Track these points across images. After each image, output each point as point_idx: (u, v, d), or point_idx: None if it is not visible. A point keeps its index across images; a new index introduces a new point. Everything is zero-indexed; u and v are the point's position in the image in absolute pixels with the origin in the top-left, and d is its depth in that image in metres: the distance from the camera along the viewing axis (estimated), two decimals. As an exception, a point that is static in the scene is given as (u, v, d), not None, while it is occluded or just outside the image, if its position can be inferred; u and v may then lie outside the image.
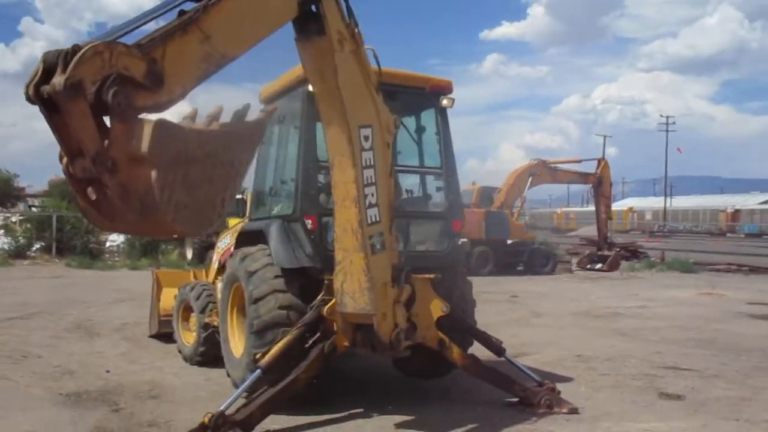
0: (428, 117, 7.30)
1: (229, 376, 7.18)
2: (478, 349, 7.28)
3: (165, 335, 10.26)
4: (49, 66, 3.46)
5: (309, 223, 6.51)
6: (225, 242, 9.47)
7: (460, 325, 7.01)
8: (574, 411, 6.77)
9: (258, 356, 6.13)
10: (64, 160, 3.66)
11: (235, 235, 8.95)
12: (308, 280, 6.60)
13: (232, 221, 27.84)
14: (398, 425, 6.32)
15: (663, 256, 31.04)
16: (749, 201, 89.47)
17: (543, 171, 27.42)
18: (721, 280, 22.45)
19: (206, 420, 5.61)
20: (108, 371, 8.36)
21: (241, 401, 5.98)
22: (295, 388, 6.08)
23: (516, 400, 7.06)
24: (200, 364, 8.69)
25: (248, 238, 7.33)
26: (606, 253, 26.71)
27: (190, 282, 9.45)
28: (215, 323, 8.27)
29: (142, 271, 24.37)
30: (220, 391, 7.48)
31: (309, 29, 5.11)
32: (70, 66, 3.38)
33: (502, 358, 7.13)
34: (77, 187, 3.75)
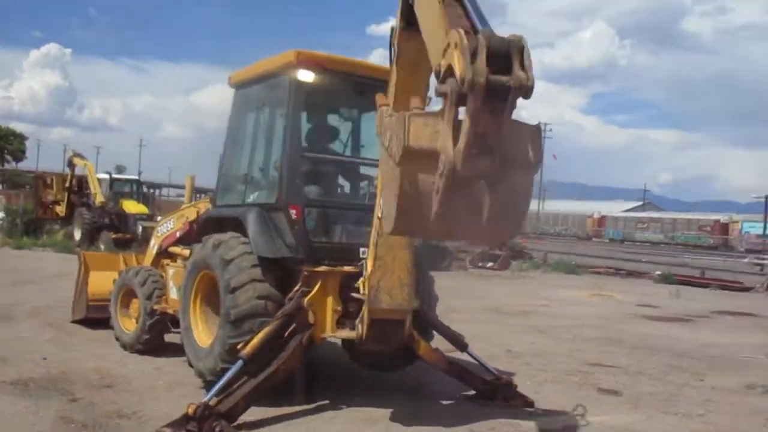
0: None
1: (191, 365, 6.98)
2: (440, 342, 7.46)
3: (92, 320, 9.83)
4: (497, 53, 3.40)
5: (293, 212, 6.43)
6: (166, 227, 9.21)
7: (425, 319, 7.16)
8: (529, 404, 7.11)
9: (240, 346, 6.02)
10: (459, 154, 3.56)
11: (181, 219, 8.75)
12: (284, 271, 6.54)
13: (131, 205, 27.08)
14: (370, 417, 6.40)
15: (546, 257, 32.68)
16: (614, 208, 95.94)
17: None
18: (605, 283, 23.92)
19: (190, 411, 5.49)
20: (45, 358, 7.90)
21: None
22: (276, 379, 6.04)
23: (473, 393, 7.34)
24: (141, 352, 8.39)
25: (214, 225, 7.15)
26: (497, 252, 27.91)
27: (132, 267, 9.05)
28: (169, 310, 8.03)
29: (28, 250, 22.96)
30: (176, 381, 7.32)
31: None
32: (528, 66, 3.40)
33: (464, 353, 7.35)
34: (457, 185, 3.63)
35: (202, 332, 6.96)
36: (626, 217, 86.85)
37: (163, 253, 9.28)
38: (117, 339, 8.80)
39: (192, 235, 8.63)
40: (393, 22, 5.49)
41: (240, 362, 5.93)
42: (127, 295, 8.80)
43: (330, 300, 6.49)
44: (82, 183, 27.63)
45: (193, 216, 8.65)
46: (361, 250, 6.64)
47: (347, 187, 7.60)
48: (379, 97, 5.21)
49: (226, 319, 6.29)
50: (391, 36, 5.48)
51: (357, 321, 6.08)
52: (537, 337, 11.82)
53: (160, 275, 8.64)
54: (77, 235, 25.47)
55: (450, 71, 3.66)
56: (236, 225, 6.76)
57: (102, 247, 24.21)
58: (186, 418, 5.48)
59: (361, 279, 6.08)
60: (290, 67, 6.50)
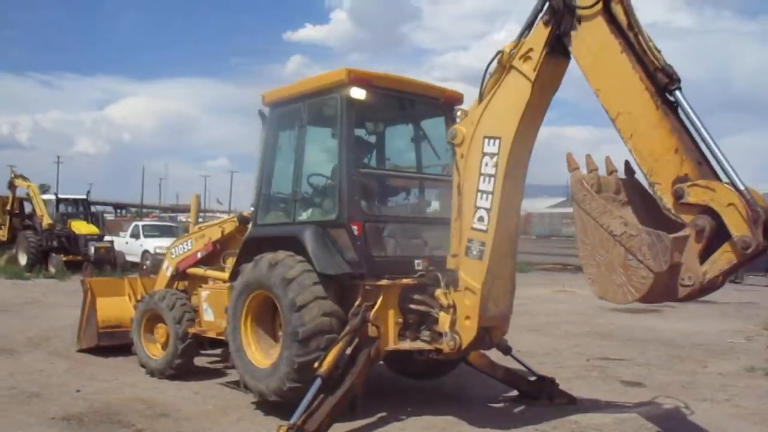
0: (438, 125, 7.56)
1: (245, 387, 6.94)
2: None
3: (99, 349, 9.58)
4: None
5: (355, 228, 6.50)
6: (182, 248, 9.11)
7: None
8: (573, 401, 7.42)
9: (316, 365, 6.06)
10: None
11: (201, 240, 8.68)
12: (342, 287, 6.62)
13: (81, 225, 26.09)
14: (435, 425, 6.55)
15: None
16: (538, 205, 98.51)
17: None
18: (560, 279, 24.76)
19: (282, 431, 5.51)
20: (78, 391, 7.67)
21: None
22: (352, 394, 6.12)
23: (516, 394, 7.60)
24: (172, 377, 8.26)
25: (259, 245, 7.14)
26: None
27: (156, 291, 8.87)
28: (204, 333, 7.96)
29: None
30: (224, 404, 7.28)
31: None
32: None
33: (508, 356, 7.59)
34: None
35: (256, 353, 6.94)
36: (551, 213, 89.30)
37: (180, 275, 9.16)
38: (143, 366, 8.62)
39: (216, 255, 8.60)
40: (507, 47, 5.75)
41: (318, 380, 5.97)
42: (151, 320, 8.64)
43: (391, 313, 6.60)
44: (23, 205, 26.52)
45: (216, 236, 8.60)
46: (416, 262, 6.80)
47: (398, 200, 7.72)
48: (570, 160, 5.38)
49: (293, 338, 6.30)
50: (490, 63, 5.84)
51: (448, 331, 6.12)
52: (533, 335, 12.18)
53: (187, 298, 8.53)
54: (23, 259, 24.44)
55: (704, 209, 4.60)
56: (287, 243, 6.78)
57: (53, 270, 23.35)
58: (276, 438, 5.51)
59: (440, 290, 6.19)
60: (342, 85, 6.58)
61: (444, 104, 7.40)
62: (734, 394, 7.95)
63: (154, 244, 26.40)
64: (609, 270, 4.89)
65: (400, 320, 6.65)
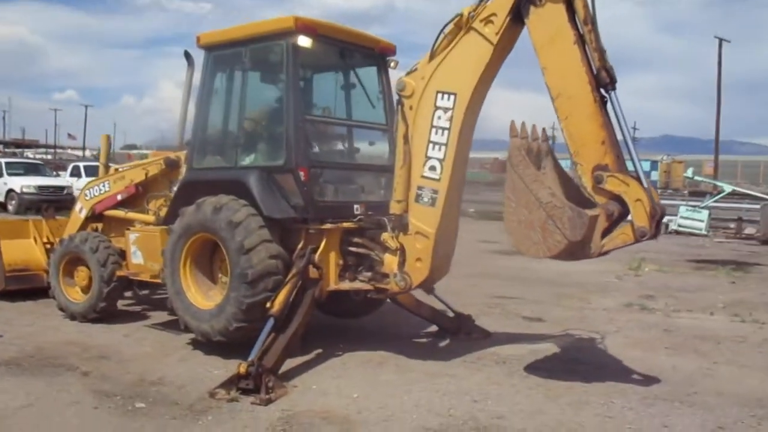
0: (371, 75, 7.83)
1: (186, 327, 7.07)
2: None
3: (5, 293, 9.26)
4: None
5: (302, 174, 6.70)
6: (98, 190, 8.91)
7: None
8: (487, 335, 8.15)
9: (268, 305, 6.31)
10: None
11: (122, 182, 8.57)
12: (284, 230, 6.85)
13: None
14: (373, 360, 7.01)
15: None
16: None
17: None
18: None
19: (242, 370, 5.78)
20: (1, 336, 7.47)
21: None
22: (300, 332, 6.45)
23: (437, 329, 8.24)
24: (96, 320, 8.19)
25: (196, 188, 7.19)
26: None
27: (77, 233, 8.61)
28: (137, 276, 7.93)
29: None
30: (161, 344, 7.38)
31: None
32: None
33: (431, 295, 8.15)
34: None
35: (197, 295, 7.06)
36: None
37: (95, 218, 8.96)
38: (62, 309, 8.46)
39: (139, 198, 8.50)
40: (465, 9, 6.20)
41: (271, 320, 6.24)
42: (70, 263, 8.44)
43: (333, 255, 6.94)
44: None
45: (139, 178, 8.47)
46: (354, 206, 7.15)
47: (337, 147, 7.94)
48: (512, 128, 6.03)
49: (242, 280, 6.49)
50: (446, 25, 6.25)
51: (397, 272, 6.53)
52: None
53: (109, 240, 8.40)
54: None
55: (614, 197, 5.62)
56: (229, 188, 6.88)
57: None
58: (238, 377, 5.76)
59: (386, 234, 6.58)
60: (289, 32, 6.68)
61: (378, 54, 7.68)
62: (621, 327, 8.99)
63: (20, 183, 24.83)
64: (528, 228, 5.78)
65: (341, 262, 7.01)
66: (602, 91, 5.77)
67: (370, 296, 7.09)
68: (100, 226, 9.03)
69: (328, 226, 6.87)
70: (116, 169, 9.01)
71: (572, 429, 5.20)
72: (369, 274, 6.95)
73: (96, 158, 60.34)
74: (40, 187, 25.14)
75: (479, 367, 6.86)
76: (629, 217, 5.61)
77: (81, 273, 8.37)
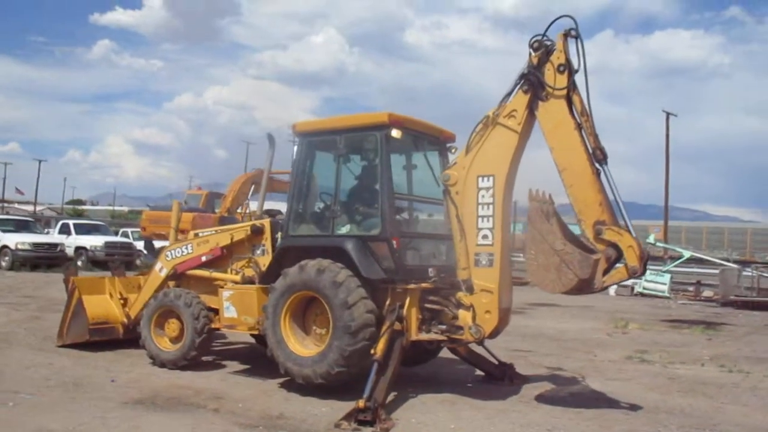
0: (434, 158, 9.31)
1: (286, 372, 8.20)
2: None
3: (84, 344, 10.26)
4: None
5: (394, 243, 8.06)
6: (180, 252, 10.03)
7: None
8: (526, 380, 9.48)
9: (372, 352, 7.56)
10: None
11: (206, 245, 9.74)
12: (375, 290, 8.13)
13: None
14: (447, 400, 8.26)
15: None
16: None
17: (262, 180, 29.54)
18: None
19: (361, 405, 7.00)
20: (113, 381, 8.48)
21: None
22: (396, 374, 7.68)
23: (484, 375, 9.54)
24: (184, 368, 9.22)
25: (293, 253, 8.46)
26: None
27: (170, 290, 9.69)
28: (234, 329, 9.09)
29: None
30: (258, 389, 8.45)
31: None
32: None
33: (480, 345, 9.46)
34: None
35: (297, 344, 8.25)
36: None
37: (176, 277, 10.04)
38: (152, 357, 9.45)
39: (224, 259, 9.66)
40: (490, 111, 8.02)
41: (376, 364, 7.48)
42: (161, 316, 9.51)
43: (414, 311, 8.23)
44: None
45: (225, 242, 9.63)
46: (429, 270, 8.52)
47: (417, 220, 9.33)
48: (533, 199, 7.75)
49: (345, 330, 7.72)
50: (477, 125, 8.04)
51: (471, 324, 7.86)
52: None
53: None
54: None
55: (611, 244, 7.33)
56: (326, 253, 8.18)
57: None
58: (357, 411, 6.97)
59: (461, 293, 7.94)
60: (383, 125, 8.17)
61: (441, 141, 9.21)
62: (632, 375, 10.44)
63: (14, 240, 25.46)
64: (546, 270, 7.55)
65: (420, 317, 8.32)
66: (597, 165, 7.62)
67: (443, 345, 8.40)
68: (173, 284, 10.13)
69: (411, 286, 8.19)
70: (196, 234, 10.13)
71: (637, 449, 6.55)
72: (443, 326, 8.25)
73: (52, 213, 60.32)
74: (35, 245, 25.78)
75: (536, 406, 8.17)
76: (622, 261, 7.43)
77: (172, 325, 9.43)
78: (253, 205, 29.86)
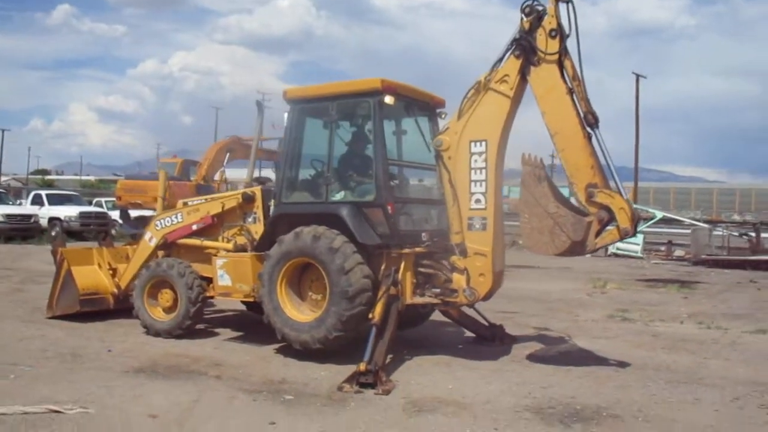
0: (425, 123, 9.35)
1: (283, 338, 8.28)
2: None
3: (73, 315, 10.27)
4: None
5: (389, 208, 8.12)
6: (170, 221, 10.01)
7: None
8: (514, 341, 9.71)
9: (371, 316, 7.69)
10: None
11: (196, 213, 9.74)
12: (370, 254, 8.21)
13: None
14: (440, 362, 8.45)
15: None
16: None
17: (238, 147, 29.26)
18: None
19: (362, 368, 7.14)
20: (110, 350, 8.52)
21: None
22: (393, 336, 7.83)
23: (475, 336, 9.75)
24: (179, 337, 9.26)
25: (286, 220, 8.50)
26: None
27: (162, 259, 9.68)
28: (229, 296, 9.16)
29: None
30: (256, 355, 8.55)
31: None
32: None
33: (471, 308, 9.64)
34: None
35: (293, 310, 8.33)
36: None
37: (166, 246, 10.03)
38: (146, 327, 9.48)
39: (214, 228, 9.67)
40: (482, 76, 8.02)
41: (374, 328, 7.61)
42: (154, 286, 9.51)
43: (408, 275, 8.35)
44: None
45: (216, 210, 9.62)
46: (422, 234, 8.63)
47: (408, 185, 9.39)
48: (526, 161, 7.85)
49: (342, 296, 7.81)
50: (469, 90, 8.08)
51: (466, 287, 8.00)
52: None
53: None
54: None
55: (603, 207, 7.42)
56: (321, 219, 8.23)
57: None
58: (358, 374, 7.11)
59: (455, 257, 8.06)
60: (377, 92, 8.18)
61: (431, 106, 9.26)
62: (617, 333, 10.74)
63: None
64: (538, 233, 7.73)
65: (414, 281, 8.44)
66: (588, 129, 7.73)
67: (436, 308, 8.58)
68: (162, 253, 10.11)
69: (406, 250, 8.30)
70: (185, 203, 10.11)
71: (630, 403, 6.79)
72: (437, 290, 8.39)
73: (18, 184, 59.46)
74: (8, 216, 25.46)
75: (528, 365, 8.40)
76: (613, 223, 7.56)
77: (165, 295, 9.45)
78: (229, 173, 29.83)
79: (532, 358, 8.78)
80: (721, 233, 24.46)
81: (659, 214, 26.60)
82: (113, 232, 27.77)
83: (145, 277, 9.58)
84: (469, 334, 9.97)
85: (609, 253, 27.06)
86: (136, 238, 11.33)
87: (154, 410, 6.20)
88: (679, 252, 26.91)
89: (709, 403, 6.84)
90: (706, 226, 26.70)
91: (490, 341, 9.58)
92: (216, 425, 5.94)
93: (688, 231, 27.74)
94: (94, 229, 26.37)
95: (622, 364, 8.39)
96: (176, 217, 9.96)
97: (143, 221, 24.31)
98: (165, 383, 7.17)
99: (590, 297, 15.31)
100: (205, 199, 9.96)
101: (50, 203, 27.96)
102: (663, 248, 28.01)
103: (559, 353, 9.14)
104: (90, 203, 31.64)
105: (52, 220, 27.12)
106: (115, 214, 27.36)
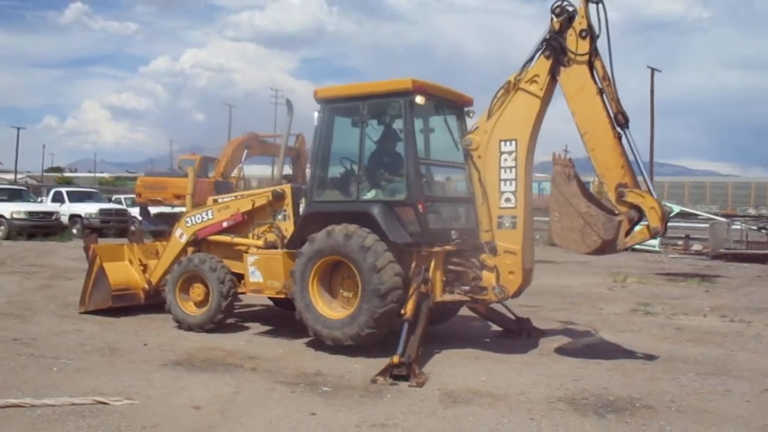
0: (453, 122, 9.43)
1: (315, 334, 8.43)
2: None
3: (105, 310, 10.47)
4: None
5: (420, 207, 8.22)
6: (201, 218, 10.16)
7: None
8: (542, 334, 9.80)
9: (403, 312, 7.81)
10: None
11: (226, 210, 9.89)
12: (400, 252, 8.28)
13: None
14: (470, 355, 8.57)
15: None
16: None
17: (256, 144, 29.51)
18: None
19: (395, 360, 7.27)
20: (145, 344, 8.71)
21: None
22: (425, 334, 7.94)
23: (502, 330, 9.85)
24: (211, 331, 9.44)
25: (319, 218, 8.63)
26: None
27: (195, 255, 9.86)
28: (261, 293, 9.36)
29: None
30: (288, 349, 8.70)
31: None
32: None
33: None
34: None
35: (325, 307, 8.46)
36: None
37: (196, 243, 10.19)
38: (178, 322, 9.67)
39: (244, 225, 9.82)
40: (512, 76, 8.15)
41: (406, 324, 7.73)
42: (186, 281, 9.69)
43: (438, 273, 8.45)
44: None
45: (247, 207, 9.76)
46: (451, 232, 8.74)
47: (437, 183, 9.50)
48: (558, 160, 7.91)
49: (375, 293, 7.92)
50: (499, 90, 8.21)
51: (495, 285, 8.12)
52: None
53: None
54: None
55: (633, 206, 7.51)
56: (352, 218, 8.33)
57: None
58: (392, 366, 7.24)
59: (484, 255, 8.18)
60: (407, 92, 8.28)
61: (459, 105, 9.35)
62: (641, 327, 10.82)
63: (10, 209, 25.55)
64: (569, 231, 7.77)
65: (443, 278, 8.55)
66: (619, 128, 7.78)
67: (468, 306, 8.70)
68: (193, 249, 10.28)
69: (436, 249, 8.41)
70: (215, 200, 10.27)
71: (661, 394, 6.89)
72: (467, 287, 8.50)
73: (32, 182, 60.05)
74: (30, 213, 25.77)
75: (557, 358, 8.51)
76: (643, 221, 7.62)
77: (197, 289, 9.62)
78: (247, 169, 30.04)
79: (561, 350, 8.89)
80: (739, 227, 24.40)
81: (677, 208, 26.58)
82: (133, 228, 28.11)
83: (177, 273, 9.76)
84: (496, 328, 10.08)
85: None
86: (157, 235, 11.52)
87: (196, 402, 6.37)
88: (696, 246, 26.85)
89: (739, 395, 6.93)
90: (724, 220, 26.63)
91: (517, 335, 9.68)
92: (258, 416, 6.09)
93: (705, 225, 27.68)
94: (114, 226, 26.66)
95: (650, 357, 8.48)
96: (207, 214, 10.12)
97: (163, 218, 24.77)
98: (203, 375, 7.34)
99: (611, 291, 15.36)
100: (236, 196, 10.13)
101: (71, 200, 28.30)
102: (680, 242, 27.95)
103: (587, 346, 9.23)
104: (109, 200, 31.96)
105: (73, 217, 27.44)
106: (134, 211, 27.61)
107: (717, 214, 31.19)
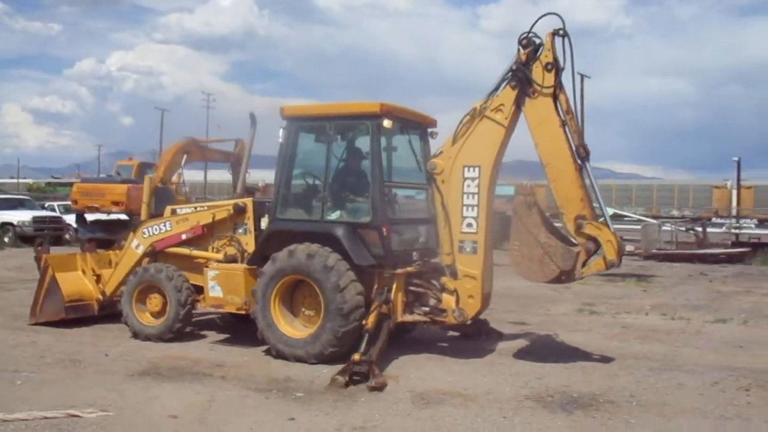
0: (416, 143, 9.58)
1: (278, 354, 8.42)
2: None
3: (56, 321, 10.20)
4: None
5: (384, 230, 8.33)
6: (158, 229, 10.03)
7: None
8: (500, 335, 10.06)
9: (364, 322, 7.97)
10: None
11: (185, 223, 9.81)
12: (362, 273, 8.36)
13: None
14: (431, 359, 8.77)
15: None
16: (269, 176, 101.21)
17: (195, 149, 29.03)
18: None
19: (356, 357, 7.48)
20: (107, 355, 8.57)
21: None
22: (384, 350, 8.06)
23: (458, 334, 10.10)
24: (170, 340, 9.33)
25: (284, 236, 8.65)
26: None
27: (151, 265, 9.70)
28: (221, 308, 9.37)
29: None
30: (254, 358, 8.65)
31: None
32: None
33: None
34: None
35: (287, 326, 8.49)
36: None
37: (153, 254, 10.02)
38: (135, 333, 9.50)
39: (204, 238, 9.74)
40: (477, 103, 8.36)
41: (367, 335, 7.84)
42: (143, 291, 9.56)
43: (400, 294, 8.62)
44: None
45: (207, 220, 9.66)
46: (413, 254, 8.96)
47: (399, 203, 9.57)
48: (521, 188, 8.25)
49: (338, 312, 8.01)
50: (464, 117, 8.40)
51: (455, 308, 8.28)
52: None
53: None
54: None
55: (591, 238, 7.84)
56: (315, 237, 8.39)
57: None
58: (353, 363, 7.40)
59: (445, 278, 8.38)
60: (375, 115, 8.39)
61: (423, 126, 9.59)
62: (589, 326, 11.28)
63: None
64: (528, 260, 8.11)
65: (404, 299, 8.72)
66: (580, 161, 8.07)
67: (426, 326, 8.98)
68: (147, 261, 10.10)
69: (399, 271, 8.57)
70: (173, 211, 10.13)
71: (621, 390, 7.25)
72: (426, 308, 8.72)
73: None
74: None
75: (518, 358, 8.80)
76: (599, 251, 7.88)
77: (154, 300, 9.48)
78: (187, 174, 29.56)
79: (520, 351, 9.20)
80: (669, 228, 25.48)
81: (610, 210, 27.43)
82: (67, 236, 27.27)
83: (133, 283, 9.61)
84: (452, 333, 10.29)
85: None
86: (92, 243, 11.36)
87: (171, 411, 6.38)
88: (629, 247, 27.83)
89: (692, 388, 7.38)
90: (655, 221, 27.76)
91: (476, 336, 9.92)
92: (237, 423, 6.14)
93: (637, 227, 28.75)
94: (49, 234, 25.81)
95: (604, 354, 8.87)
96: (165, 226, 9.95)
97: (101, 225, 24.07)
98: (173, 385, 7.31)
99: (556, 292, 15.80)
100: (195, 208, 10.04)
101: (1, 208, 27.17)
102: (613, 244, 28.90)
103: (543, 346, 9.58)
104: (42, 207, 30.85)
105: (5, 225, 26.40)
106: (69, 218, 26.89)
107: (646, 216, 32.43)
